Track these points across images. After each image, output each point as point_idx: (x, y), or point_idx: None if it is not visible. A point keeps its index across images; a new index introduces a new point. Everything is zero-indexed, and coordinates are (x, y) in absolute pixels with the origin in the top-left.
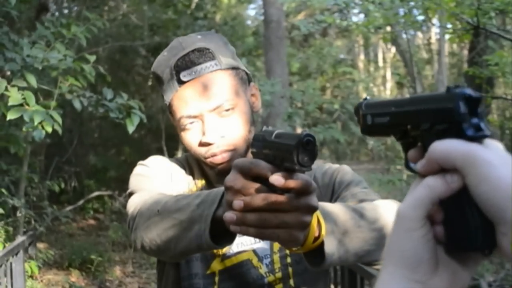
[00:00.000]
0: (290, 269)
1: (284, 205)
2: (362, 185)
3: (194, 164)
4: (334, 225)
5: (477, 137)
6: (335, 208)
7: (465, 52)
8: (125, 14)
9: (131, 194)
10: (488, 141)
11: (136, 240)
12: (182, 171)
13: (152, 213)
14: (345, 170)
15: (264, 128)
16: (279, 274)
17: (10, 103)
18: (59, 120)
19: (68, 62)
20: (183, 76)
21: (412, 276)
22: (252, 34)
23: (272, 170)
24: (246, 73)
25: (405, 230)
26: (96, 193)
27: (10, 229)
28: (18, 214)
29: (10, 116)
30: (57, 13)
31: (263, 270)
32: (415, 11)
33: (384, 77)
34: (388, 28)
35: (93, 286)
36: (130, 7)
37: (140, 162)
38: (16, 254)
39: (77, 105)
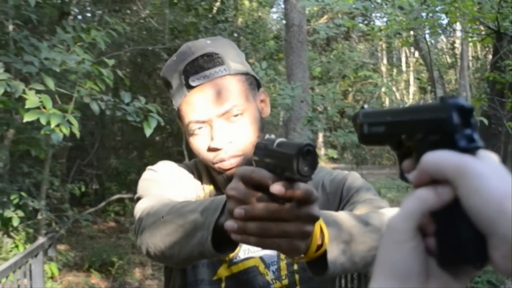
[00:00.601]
0: (296, 276)
1: (285, 214)
2: (371, 192)
3: (202, 170)
4: (338, 234)
5: (470, 149)
6: (339, 217)
7: (490, 56)
8: (146, 18)
9: (139, 198)
10: (482, 152)
11: (141, 245)
12: (191, 176)
13: (157, 219)
14: (353, 177)
15: (267, 136)
16: (285, 281)
17: (27, 106)
18: (75, 123)
19: (86, 65)
20: (192, 81)
21: (402, 287)
22: (274, 38)
23: (273, 179)
24: (256, 79)
25: (395, 241)
26: (117, 196)
27: (31, 231)
28: (39, 216)
29: (27, 118)
30: (80, 17)
31: (269, 276)
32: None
33: (407, 81)
34: (411, 32)
35: None
36: (151, 11)
37: (149, 167)
38: (36, 256)
39: (95, 108)
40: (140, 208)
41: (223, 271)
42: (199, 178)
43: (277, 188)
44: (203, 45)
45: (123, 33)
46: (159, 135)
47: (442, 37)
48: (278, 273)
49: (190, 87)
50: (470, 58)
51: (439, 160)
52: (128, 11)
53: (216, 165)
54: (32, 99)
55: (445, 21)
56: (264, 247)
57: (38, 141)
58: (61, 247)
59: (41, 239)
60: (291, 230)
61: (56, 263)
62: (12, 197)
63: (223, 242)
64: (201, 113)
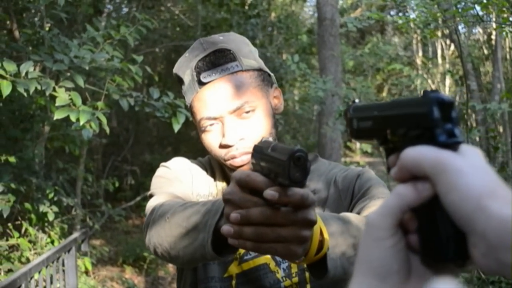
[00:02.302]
0: (307, 274)
1: (281, 219)
2: (383, 189)
3: (216, 166)
4: (339, 237)
5: (450, 144)
6: (340, 219)
7: None
8: (179, 14)
9: (151, 196)
10: (464, 147)
11: (149, 245)
12: (204, 173)
13: (162, 220)
14: (367, 174)
15: (264, 139)
16: (295, 279)
17: (57, 103)
18: (104, 120)
19: (115, 63)
20: (204, 77)
21: (381, 286)
22: (307, 32)
23: (267, 184)
24: (269, 75)
25: (374, 239)
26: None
27: (65, 226)
28: (73, 212)
29: (57, 115)
30: (114, 14)
31: (280, 274)
32: (466, 5)
33: (443, 74)
34: (441, 24)
35: (146, 282)
36: (183, 7)
37: (163, 163)
38: (69, 251)
39: (124, 104)
40: (150, 206)
41: (234, 268)
42: (212, 174)
43: (270, 193)
44: (215, 41)
45: (153, 30)
46: (194, 130)
47: (479, 28)
48: (289, 271)
49: (202, 84)
50: (508, 49)
51: (418, 155)
52: (162, 8)
53: (228, 162)
54: (62, 97)
55: (480, 12)
56: (260, 252)
57: (72, 138)
58: (96, 242)
59: (74, 234)
60: (287, 235)
61: (90, 258)
62: (47, 192)
63: (224, 245)
64: (213, 109)
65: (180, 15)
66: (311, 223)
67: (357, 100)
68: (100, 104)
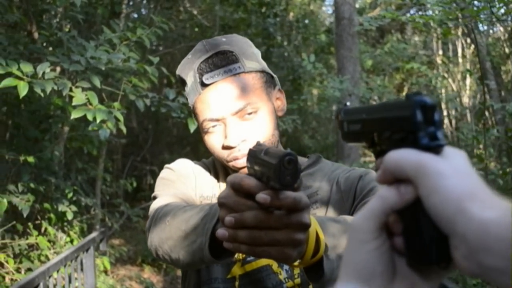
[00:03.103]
0: None
1: (274, 223)
2: None
3: (219, 167)
4: (336, 240)
5: (432, 147)
6: (337, 222)
7: None
8: (197, 15)
9: (154, 198)
10: (448, 150)
11: (151, 248)
12: (207, 174)
13: (163, 223)
14: (369, 176)
15: (258, 143)
16: (298, 280)
17: (74, 103)
18: (121, 119)
19: (131, 64)
20: (206, 79)
21: (366, 287)
22: (325, 31)
23: (260, 187)
24: (272, 76)
25: (358, 241)
26: None
27: (84, 226)
28: (92, 212)
29: (74, 115)
30: (135, 15)
31: (282, 276)
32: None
33: (463, 73)
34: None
35: (164, 282)
36: (201, 7)
37: (166, 165)
38: (87, 250)
39: (140, 105)
40: (152, 209)
41: (237, 270)
42: (216, 175)
43: (262, 197)
44: (218, 42)
45: (171, 30)
46: None
47: (500, 26)
48: (291, 272)
49: (204, 85)
50: None
51: (400, 158)
52: (181, 8)
53: (230, 163)
54: (78, 97)
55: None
56: (255, 255)
57: (90, 138)
58: (116, 241)
59: (92, 234)
60: (281, 238)
61: (109, 257)
62: (66, 192)
63: (222, 248)
64: (215, 111)
65: (197, 15)
66: (305, 226)
67: (348, 103)
68: (116, 104)
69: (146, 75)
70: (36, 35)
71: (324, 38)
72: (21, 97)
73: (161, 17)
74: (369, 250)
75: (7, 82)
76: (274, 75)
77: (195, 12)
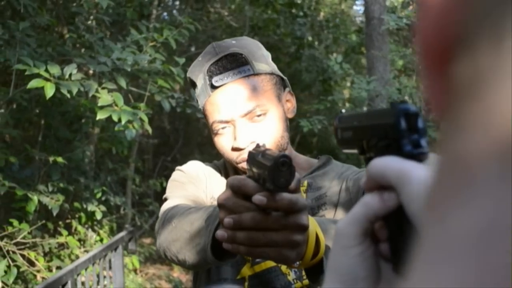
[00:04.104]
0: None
1: (272, 224)
2: None
3: (230, 169)
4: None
5: (415, 154)
6: (337, 224)
7: None
8: (225, 16)
9: (165, 199)
10: (433, 157)
11: (160, 249)
12: (218, 175)
13: (170, 225)
14: None
15: (257, 145)
16: (306, 281)
17: (99, 104)
18: (146, 119)
19: (157, 65)
20: (215, 81)
21: None
22: (356, 31)
23: (257, 189)
24: (282, 78)
25: (341, 247)
26: None
27: (114, 225)
28: (122, 211)
29: (100, 116)
30: (166, 16)
31: (291, 276)
32: None
33: None
34: None
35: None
36: (230, 8)
37: (178, 167)
38: (116, 249)
39: (165, 106)
40: (162, 211)
41: (246, 270)
42: (227, 177)
43: (258, 198)
44: (228, 45)
45: (196, 31)
46: None
47: None
48: (300, 273)
49: (213, 87)
50: None
51: (382, 166)
52: (211, 9)
53: (240, 165)
54: (104, 98)
55: None
56: (253, 256)
57: (119, 139)
58: (146, 240)
59: (120, 233)
60: (279, 239)
61: (138, 256)
62: (95, 192)
63: (225, 249)
64: (224, 113)
65: (225, 16)
66: (303, 228)
67: (343, 110)
68: (142, 105)
69: (172, 76)
70: (67, 36)
71: (354, 38)
72: (47, 98)
73: (191, 18)
74: (353, 255)
75: (34, 83)
76: (285, 77)
77: (226, 13)
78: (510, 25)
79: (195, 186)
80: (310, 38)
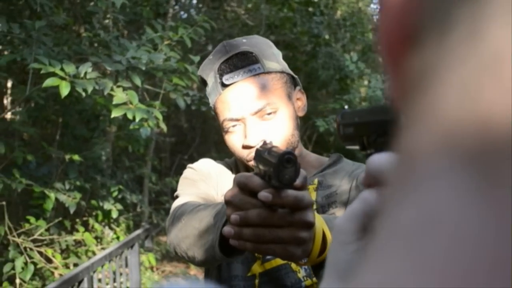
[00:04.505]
0: None
1: (277, 221)
2: None
3: (241, 167)
4: None
5: None
6: None
7: None
8: (242, 14)
9: (176, 197)
10: None
11: (170, 246)
12: (229, 173)
13: (179, 222)
14: None
15: (264, 142)
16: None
17: (114, 102)
18: (160, 117)
19: (172, 63)
20: (226, 79)
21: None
22: (374, 30)
23: (263, 186)
24: (292, 77)
25: (339, 243)
26: None
27: (131, 223)
28: (138, 209)
29: (115, 114)
30: (184, 15)
31: (301, 274)
32: None
33: None
34: None
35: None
36: (248, 7)
37: (189, 165)
38: (132, 247)
39: (180, 103)
40: (172, 208)
41: (256, 268)
42: None
43: (263, 195)
44: (238, 43)
45: (212, 30)
46: None
47: None
48: (310, 270)
49: (224, 86)
50: None
51: (379, 162)
52: (228, 8)
53: (250, 163)
54: (119, 96)
55: None
56: (259, 252)
57: (136, 137)
58: (163, 238)
59: (137, 231)
60: (285, 236)
61: (155, 254)
62: (111, 190)
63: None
64: (235, 111)
65: (241, 15)
66: (309, 225)
67: (346, 107)
68: (157, 103)
69: (187, 74)
70: (85, 35)
71: (372, 36)
72: (62, 96)
73: (208, 17)
74: (351, 251)
75: (50, 81)
76: (295, 76)
77: (242, 12)
78: (455, 18)
79: (206, 183)
80: (327, 37)
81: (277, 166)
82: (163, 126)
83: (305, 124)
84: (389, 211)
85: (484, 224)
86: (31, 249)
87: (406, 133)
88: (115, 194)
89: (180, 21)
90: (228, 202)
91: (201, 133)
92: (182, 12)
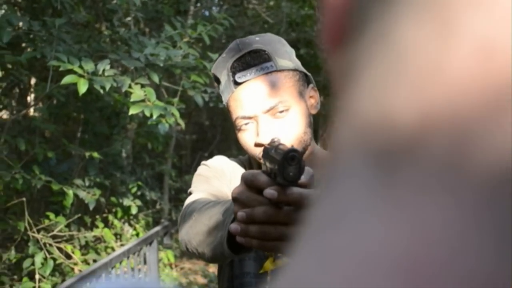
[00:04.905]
0: None
1: (283, 218)
2: None
3: (254, 164)
4: None
5: None
6: None
7: None
8: (263, 12)
9: (190, 193)
10: None
11: (181, 241)
12: (242, 170)
13: (190, 219)
14: None
15: (272, 140)
16: None
17: (132, 99)
18: (177, 114)
19: (190, 60)
20: (238, 77)
21: None
22: None
23: (269, 183)
24: (306, 75)
25: None
26: None
27: (150, 220)
28: (158, 206)
29: (132, 111)
30: (206, 13)
31: None
32: None
33: None
34: None
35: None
36: (269, 5)
37: (203, 162)
38: (150, 244)
39: (198, 100)
40: (185, 205)
41: (269, 265)
42: None
43: (269, 192)
44: (251, 41)
45: (230, 27)
46: None
47: None
48: None
49: (237, 84)
50: None
51: None
52: (250, 6)
53: (262, 160)
54: (137, 93)
55: None
56: (265, 249)
57: (155, 134)
58: None
59: (155, 228)
60: (290, 233)
61: (174, 251)
62: (130, 186)
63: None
64: (247, 109)
65: (262, 12)
66: None
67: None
68: (175, 100)
69: (205, 71)
70: (106, 34)
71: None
72: (80, 94)
73: (229, 14)
74: None
75: (68, 79)
76: (309, 74)
77: (263, 10)
78: (371, 18)
79: (219, 180)
80: None
81: (281, 164)
82: (181, 122)
83: (325, 122)
84: (312, 207)
85: (378, 223)
86: (50, 245)
87: (335, 130)
88: (134, 190)
89: (199, 18)
90: (235, 199)
91: (221, 131)
92: (203, 10)
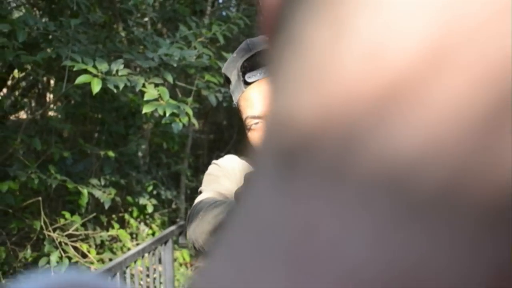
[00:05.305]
0: None
1: None
2: None
3: None
4: None
5: None
6: None
7: None
8: None
9: (200, 192)
10: None
11: (189, 240)
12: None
13: (197, 218)
14: None
15: None
16: None
17: (145, 98)
18: (191, 112)
19: (204, 60)
20: (248, 77)
21: None
22: None
23: None
24: None
25: None
26: None
27: (166, 219)
28: (173, 205)
29: (146, 110)
30: (223, 13)
31: None
32: None
33: None
34: None
35: None
36: None
37: (214, 161)
38: (165, 243)
39: (212, 100)
40: (194, 204)
41: None
42: None
43: None
44: (261, 41)
45: (245, 27)
46: None
47: None
48: None
49: (247, 83)
50: None
51: None
52: None
53: None
54: (151, 92)
55: None
56: None
57: (171, 134)
58: None
59: (170, 227)
60: None
61: (189, 250)
62: (146, 185)
63: None
64: (257, 108)
65: None
66: None
67: None
68: (189, 100)
69: (219, 71)
70: (122, 34)
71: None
72: (93, 93)
73: (245, 14)
74: None
75: (82, 79)
76: None
77: None
78: (288, 18)
79: (229, 179)
80: None
81: None
82: (195, 121)
83: None
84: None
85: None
86: (66, 243)
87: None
88: (149, 189)
89: (214, 18)
90: (238, 199)
91: (238, 131)
92: (221, 11)
